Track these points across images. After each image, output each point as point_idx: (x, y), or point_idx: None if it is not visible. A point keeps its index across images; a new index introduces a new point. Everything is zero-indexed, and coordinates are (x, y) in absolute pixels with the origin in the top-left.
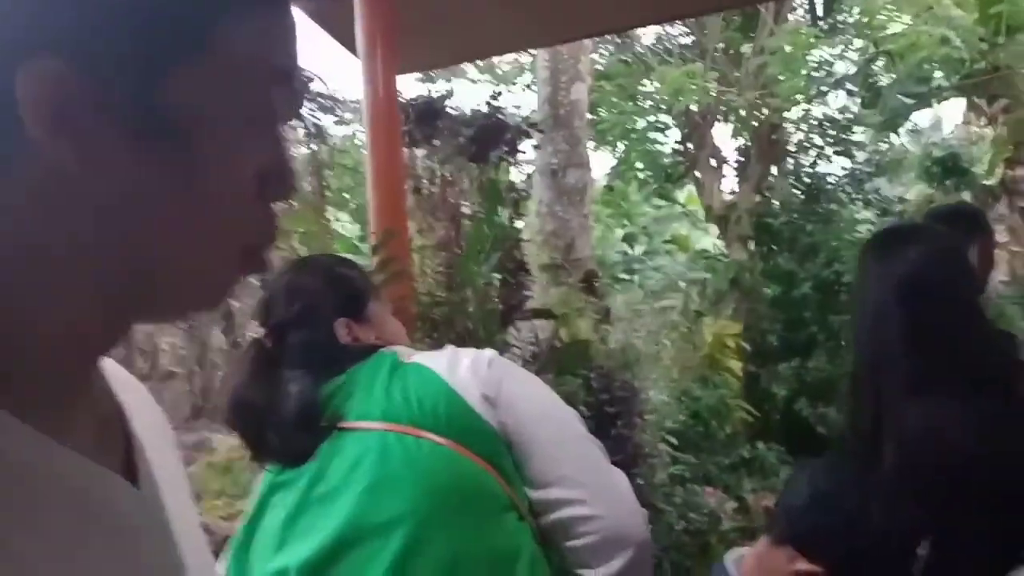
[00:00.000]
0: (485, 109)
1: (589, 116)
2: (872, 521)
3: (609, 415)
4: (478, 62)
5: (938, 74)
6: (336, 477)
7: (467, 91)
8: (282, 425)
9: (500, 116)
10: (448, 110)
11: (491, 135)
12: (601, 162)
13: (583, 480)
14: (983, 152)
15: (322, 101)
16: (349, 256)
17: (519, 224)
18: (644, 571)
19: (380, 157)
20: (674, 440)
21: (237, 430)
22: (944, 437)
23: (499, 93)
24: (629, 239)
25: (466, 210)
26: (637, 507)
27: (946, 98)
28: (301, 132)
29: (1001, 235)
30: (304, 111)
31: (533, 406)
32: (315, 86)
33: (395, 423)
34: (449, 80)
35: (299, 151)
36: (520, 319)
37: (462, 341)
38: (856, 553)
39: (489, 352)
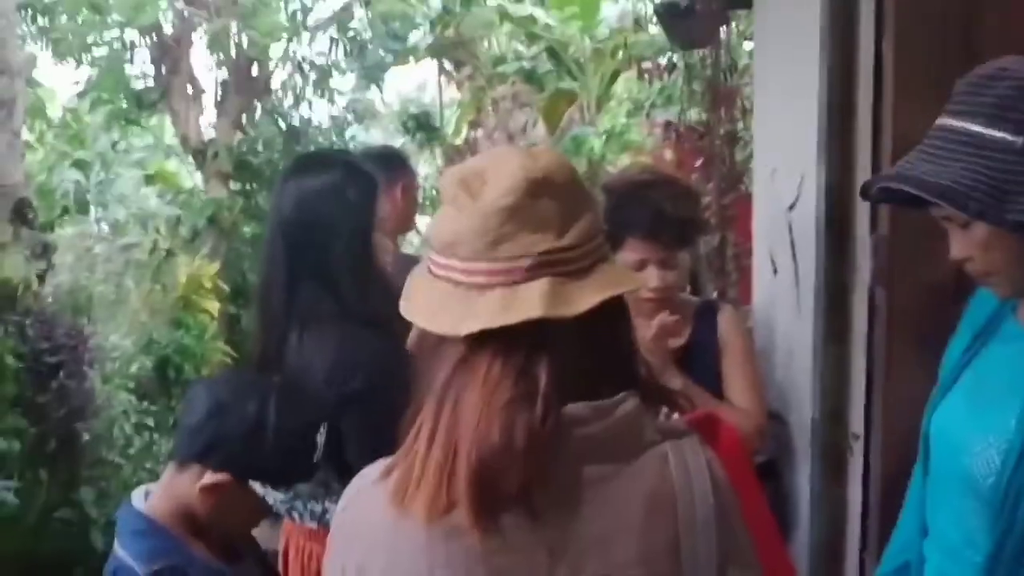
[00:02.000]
0: None
1: (41, 23)
2: (270, 420)
3: (50, 366)
4: None
5: (415, 34)
6: None
7: None
8: None
9: None
10: None
11: None
12: (65, 78)
13: None
14: (455, 114)
15: None
16: None
17: None
18: None
19: None
20: (139, 388)
21: None
22: (325, 366)
23: None
24: (82, 167)
25: None
26: None
27: (422, 58)
28: None
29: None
30: None
31: None
32: None
33: None
34: None
35: None
36: None
37: None
38: (258, 453)
39: None
